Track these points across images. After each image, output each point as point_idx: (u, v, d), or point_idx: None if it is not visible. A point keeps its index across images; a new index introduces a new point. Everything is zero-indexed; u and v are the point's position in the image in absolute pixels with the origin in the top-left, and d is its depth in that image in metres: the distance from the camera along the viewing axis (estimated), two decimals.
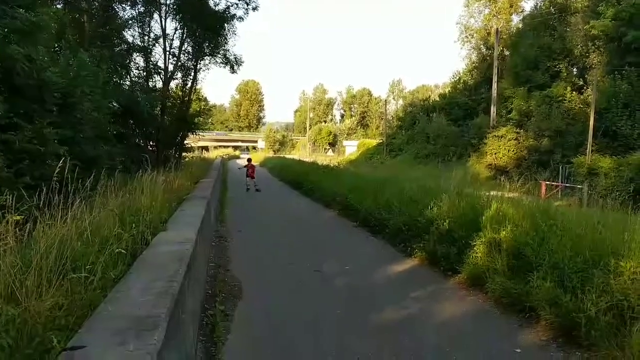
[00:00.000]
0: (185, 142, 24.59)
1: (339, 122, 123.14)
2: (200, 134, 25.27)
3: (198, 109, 26.32)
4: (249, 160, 25.88)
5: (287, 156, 67.25)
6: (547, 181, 23.51)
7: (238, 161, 71.91)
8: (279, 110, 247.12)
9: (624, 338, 5.37)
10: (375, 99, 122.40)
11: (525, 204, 9.24)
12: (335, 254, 10.82)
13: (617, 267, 6.15)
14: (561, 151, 31.33)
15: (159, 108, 20.99)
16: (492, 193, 10.85)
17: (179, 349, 4.02)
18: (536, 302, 6.66)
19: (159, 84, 22.23)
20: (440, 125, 45.96)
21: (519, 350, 5.89)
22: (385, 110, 76.14)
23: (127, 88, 19.63)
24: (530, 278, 7.03)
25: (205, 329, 6.24)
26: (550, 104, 34.84)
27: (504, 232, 8.28)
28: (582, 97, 34.88)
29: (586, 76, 36.65)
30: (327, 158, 58.14)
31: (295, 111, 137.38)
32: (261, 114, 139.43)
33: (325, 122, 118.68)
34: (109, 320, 3.37)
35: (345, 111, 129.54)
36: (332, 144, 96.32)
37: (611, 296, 5.89)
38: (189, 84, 23.32)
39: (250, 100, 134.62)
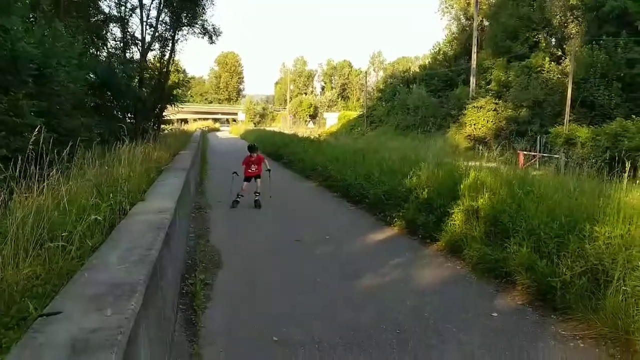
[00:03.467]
0: (164, 114, 24.32)
1: (319, 94, 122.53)
2: (179, 106, 25.02)
3: (176, 81, 26.05)
4: (253, 149, 13.79)
5: (268, 128, 67.05)
6: (525, 151, 23.72)
7: (218, 134, 71.76)
8: (259, 83, 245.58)
9: (598, 301, 5.50)
10: (356, 70, 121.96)
11: (503, 173, 9.34)
12: (315, 224, 10.88)
13: (592, 232, 6.27)
14: (539, 121, 31.55)
15: (136, 80, 20.69)
16: (471, 163, 10.94)
17: (158, 315, 4.04)
18: (512, 267, 6.79)
19: (137, 56, 21.84)
20: (420, 96, 45.88)
21: (495, 314, 6.00)
22: (366, 82, 76.00)
23: (104, 59, 19.31)
24: (507, 244, 7.16)
25: (185, 298, 6.26)
26: (529, 75, 34.97)
27: (481, 200, 8.39)
28: (560, 67, 35.06)
29: (564, 46, 36.85)
30: (307, 130, 57.96)
31: (276, 83, 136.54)
32: (241, 86, 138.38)
33: (305, 94, 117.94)
34: (86, 286, 3.36)
35: (325, 83, 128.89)
36: (313, 116, 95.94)
37: (586, 261, 6.01)
38: (167, 55, 22.97)
39: (230, 72, 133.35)
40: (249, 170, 13.33)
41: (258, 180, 13.31)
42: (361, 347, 5.07)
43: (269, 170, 13.64)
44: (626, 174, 6.99)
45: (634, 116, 23.38)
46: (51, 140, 6.24)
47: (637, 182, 7.17)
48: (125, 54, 21.27)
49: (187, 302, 6.17)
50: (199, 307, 5.94)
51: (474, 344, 5.20)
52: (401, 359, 4.83)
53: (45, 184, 5.30)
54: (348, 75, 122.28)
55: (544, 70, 34.91)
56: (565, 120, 28.05)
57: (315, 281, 7.16)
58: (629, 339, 4.98)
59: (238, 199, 12.95)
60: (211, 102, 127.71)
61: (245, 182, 13.19)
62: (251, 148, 13.85)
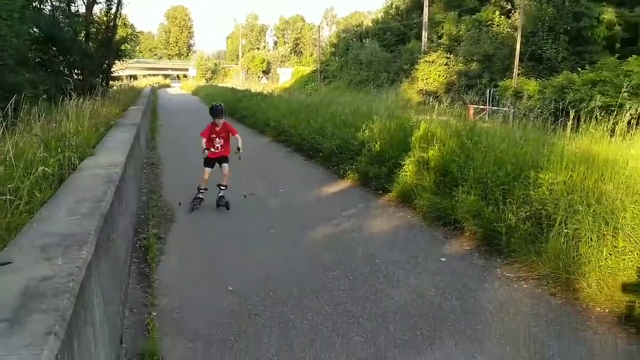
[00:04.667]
0: (112, 70, 23.71)
1: (272, 49, 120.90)
2: (128, 61, 24.43)
3: (124, 36, 25.32)
4: (218, 112, 8.61)
5: (220, 84, 66.11)
6: (475, 104, 24.06)
7: (168, 90, 70.49)
8: (210, 38, 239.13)
9: (541, 244, 5.74)
10: (309, 25, 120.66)
11: (452, 124, 9.50)
12: (269, 178, 10.89)
13: (536, 179, 6.50)
14: (489, 75, 31.99)
15: (82, 34, 20.04)
16: (422, 117, 11.07)
17: (110, 266, 4.03)
18: (461, 215, 7.00)
19: (82, 9, 21.08)
20: (373, 51, 45.76)
21: (443, 259, 6.20)
22: (319, 36, 75.31)
23: (47, 13, 18.58)
24: (456, 193, 7.36)
25: (139, 252, 6.26)
26: (480, 29, 35.27)
27: (432, 151, 8.55)
28: (510, 21, 35.42)
29: (514, 0, 37.14)
30: (261, 86, 57.29)
31: (227, 38, 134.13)
32: (191, 41, 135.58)
33: (258, 49, 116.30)
34: (36, 237, 3.32)
35: (278, 38, 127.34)
36: (266, 72, 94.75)
37: (530, 206, 6.25)
38: (114, 9, 22.23)
39: (180, 27, 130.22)
40: (212, 149, 8.53)
41: (225, 166, 8.63)
42: (315, 293, 5.19)
43: (239, 150, 8.54)
44: (570, 123, 7.21)
45: (579, 69, 23.92)
46: None
47: (580, 131, 7.38)
48: (70, 8, 20.49)
49: (140, 255, 6.17)
50: (152, 260, 5.94)
51: (423, 287, 5.39)
52: (353, 303, 4.96)
53: None
54: (301, 29, 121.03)
55: (494, 24, 35.25)
56: (514, 74, 28.51)
57: (269, 232, 7.24)
58: (569, 278, 5.24)
59: (201, 196, 8.54)
60: (161, 58, 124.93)
61: (207, 169, 8.48)
62: (215, 111, 8.60)
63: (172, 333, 4.42)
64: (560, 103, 12.92)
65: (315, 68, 64.18)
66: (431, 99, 14.36)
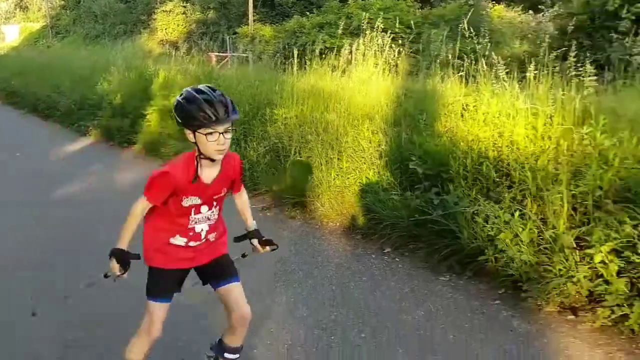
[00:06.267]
0: None
1: None
2: None
3: None
4: (218, 105, 2.16)
5: None
6: (216, 52, 24.34)
7: None
8: None
9: (280, 174, 6.30)
10: None
11: (192, 71, 9.69)
12: (5, 144, 9.99)
13: (272, 116, 7.04)
14: (227, 22, 32.39)
15: None
16: (163, 66, 11.03)
17: None
18: None
19: None
20: (107, 2, 43.36)
21: None
22: None
23: None
24: None
25: None
26: None
27: (173, 98, 8.61)
28: None
29: None
30: None
31: None
32: None
33: None
34: None
35: None
36: None
37: (268, 141, 6.78)
38: None
39: None
40: (186, 241, 2.47)
41: (236, 290, 2.57)
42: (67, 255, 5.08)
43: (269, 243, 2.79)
44: (295, 62, 7.84)
45: (308, 13, 25.41)
46: None
47: (307, 69, 8.04)
48: None
49: None
50: None
51: None
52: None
53: None
54: None
55: None
56: (249, 21, 29.26)
57: (14, 198, 6.70)
58: (305, 201, 5.89)
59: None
60: None
61: (156, 303, 2.48)
62: (204, 106, 2.16)
63: None
64: (294, 46, 13.72)
65: (45, 24, 58.80)
66: (170, 49, 14.30)
